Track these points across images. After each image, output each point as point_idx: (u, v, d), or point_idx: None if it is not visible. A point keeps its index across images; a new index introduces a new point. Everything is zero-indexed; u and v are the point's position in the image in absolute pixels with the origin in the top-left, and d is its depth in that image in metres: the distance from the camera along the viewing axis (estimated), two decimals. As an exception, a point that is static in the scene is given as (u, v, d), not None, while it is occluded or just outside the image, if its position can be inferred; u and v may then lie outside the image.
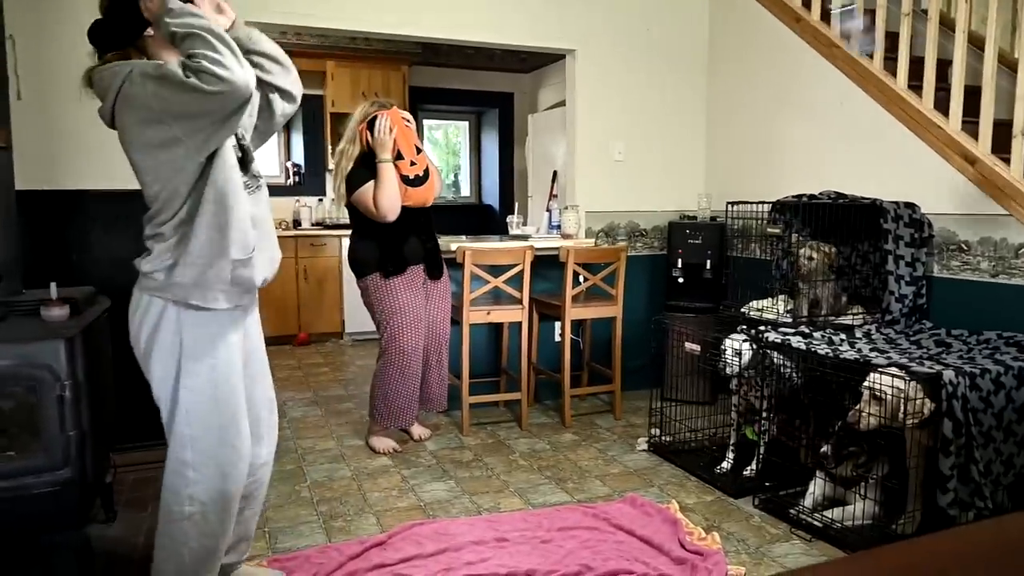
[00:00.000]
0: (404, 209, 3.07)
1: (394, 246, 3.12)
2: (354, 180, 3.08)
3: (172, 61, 1.64)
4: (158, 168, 1.69)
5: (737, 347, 2.84)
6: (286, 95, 1.97)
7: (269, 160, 6.43)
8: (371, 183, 3.03)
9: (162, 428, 1.81)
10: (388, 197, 3.01)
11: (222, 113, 1.62)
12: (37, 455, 2.03)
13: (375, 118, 3.05)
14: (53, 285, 2.20)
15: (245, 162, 1.84)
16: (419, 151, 3.12)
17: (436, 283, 3.30)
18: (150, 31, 1.72)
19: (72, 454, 2.06)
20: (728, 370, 2.86)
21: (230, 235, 1.73)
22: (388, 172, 3.02)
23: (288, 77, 1.97)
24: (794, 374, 2.77)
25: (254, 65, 1.81)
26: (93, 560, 2.14)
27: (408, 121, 3.11)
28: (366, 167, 3.07)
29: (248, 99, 1.62)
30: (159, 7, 1.64)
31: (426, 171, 3.11)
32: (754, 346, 2.82)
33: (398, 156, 3.06)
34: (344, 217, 4.76)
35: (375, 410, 3.25)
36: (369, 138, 3.05)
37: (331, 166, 3.34)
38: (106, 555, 2.30)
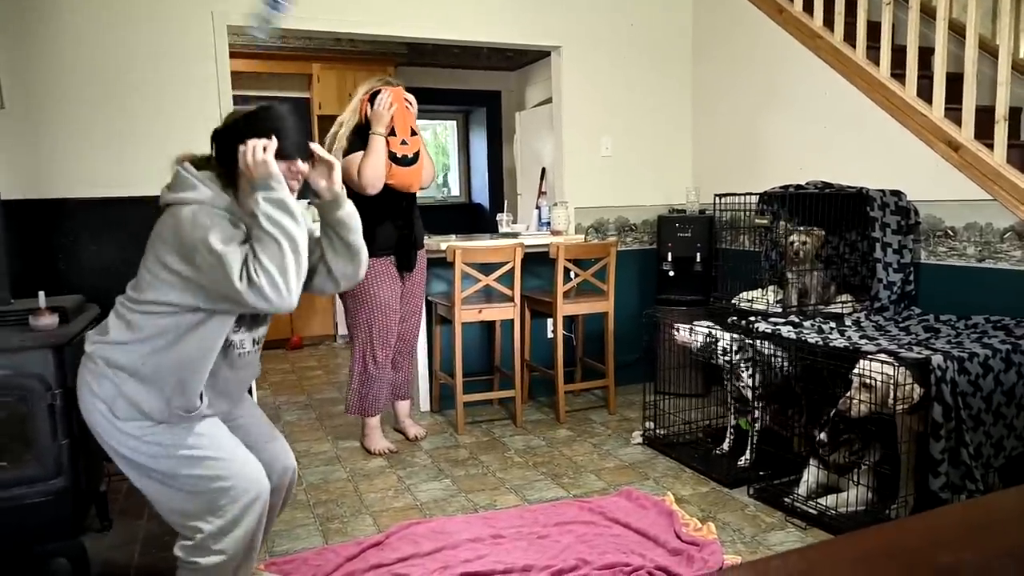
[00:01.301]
0: (386, 189, 3.05)
1: (367, 227, 3.12)
2: (346, 148, 3.08)
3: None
4: (162, 278, 1.65)
5: (707, 334, 2.93)
6: (332, 278, 1.88)
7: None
8: (360, 153, 3.03)
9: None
10: (373, 167, 2.99)
11: (249, 310, 1.62)
12: (30, 465, 2.02)
13: (378, 92, 3.04)
14: (41, 294, 2.19)
15: (256, 318, 1.78)
16: (414, 133, 3.11)
17: (409, 279, 3.27)
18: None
19: (65, 463, 2.05)
20: (692, 347, 3.00)
21: (182, 386, 1.65)
22: (378, 144, 3.01)
23: (348, 267, 1.87)
24: (783, 363, 2.79)
25: (327, 236, 1.81)
26: (88, 569, 2.14)
27: (410, 103, 3.09)
28: (360, 139, 3.06)
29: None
30: (258, 178, 1.61)
31: (416, 154, 3.09)
32: (712, 337, 2.92)
33: (391, 133, 3.05)
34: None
35: (348, 400, 3.28)
36: (369, 110, 3.04)
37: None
38: (102, 564, 2.29)
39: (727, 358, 2.92)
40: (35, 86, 3.11)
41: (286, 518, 2.62)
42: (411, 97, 3.12)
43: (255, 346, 1.84)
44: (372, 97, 3.04)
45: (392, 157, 3.04)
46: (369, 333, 3.17)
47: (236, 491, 1.70)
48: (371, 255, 3.09)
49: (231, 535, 1.70)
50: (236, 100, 3.54)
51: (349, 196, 3.23)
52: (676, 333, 3.06)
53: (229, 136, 1.69)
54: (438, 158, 7.68)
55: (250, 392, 2.12)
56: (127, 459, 1.68)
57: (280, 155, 1.66)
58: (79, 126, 3.19)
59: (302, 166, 1.74)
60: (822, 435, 2.49)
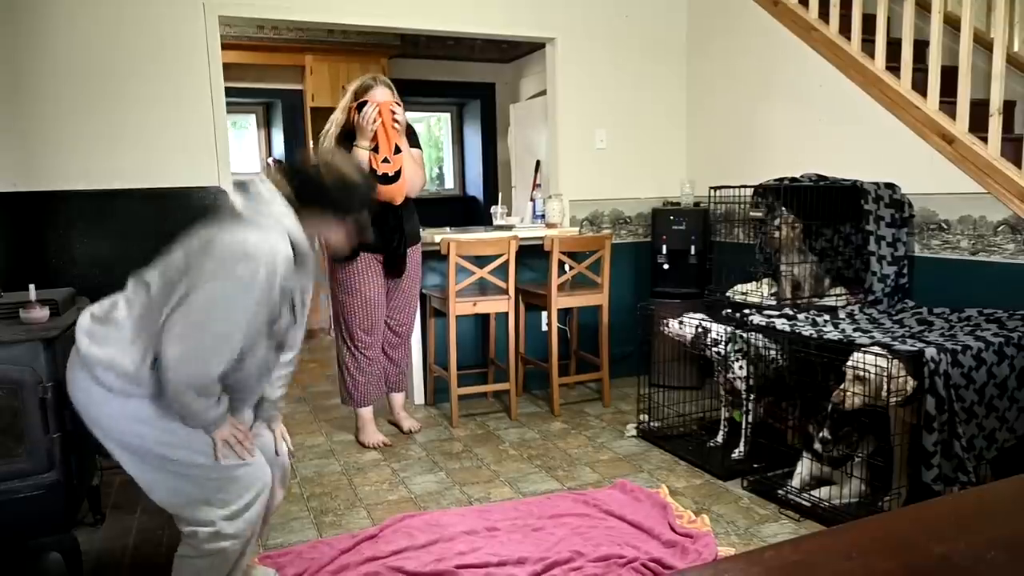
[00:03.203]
0: None
1: None
2: None
3: (324, 233, 1.76)
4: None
5: (690, 326, 2.94)
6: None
7: (250, 156, 6.38)
8: None
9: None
10: None
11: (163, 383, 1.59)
12: (21, 459, 2.01)
13: (365, 102, 3.00)
14: (32, 287, 2.18)
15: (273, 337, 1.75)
16: (398, 151, 3.07)
17: (399, 278, 3.26)
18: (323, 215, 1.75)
19: (57, 457, 2.04)
20: (684, 340, 3.03)
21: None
22: (360, 158, 2.99)
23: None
24: (776, 356, 2.79)
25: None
26: (81, 563, 2.13)
27: (396, 119, 3.01)
28: (345, 148, 3.04)
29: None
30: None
31: (397, 172, 3.06)
32: (702, 329, 2.95)
33: (374, 148, 3.03)
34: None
35: (342, 392, 3.33)
36: (356, 118, 3.02)
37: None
38: (95, 557, 2.28)
39: (718, 349, 2.92)
40: (24, 77, 3.08)
41: (280, 511, 2.61)
42: (398, 110, 3.03)
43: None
44: (360, 106, 3.00)
45: (372, 174, 3.03)
46: (350, 327, 3.19)
47: (248, 479, 1.71)
48: (354, 256, 3.10)
49: (242, 518, 1.70)
50: (228, 92, 3.51)
51: None
52: (666, 328, 3.07)
53: (317, 190, 1.72)
54: (431, 151, 7.65)
55: None
56: (132, 446, 1.65)
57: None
58: (70, 118, 3.16)
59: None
60: (824, 432, 2.49)
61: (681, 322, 3.05)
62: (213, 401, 1.62)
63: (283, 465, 1.97)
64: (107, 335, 1.63)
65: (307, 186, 1.72)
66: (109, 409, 1.63)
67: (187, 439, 1.65)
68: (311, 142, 5.91)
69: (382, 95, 3.02)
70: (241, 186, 1.71)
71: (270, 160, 6.31)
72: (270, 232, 1.61)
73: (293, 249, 1.65)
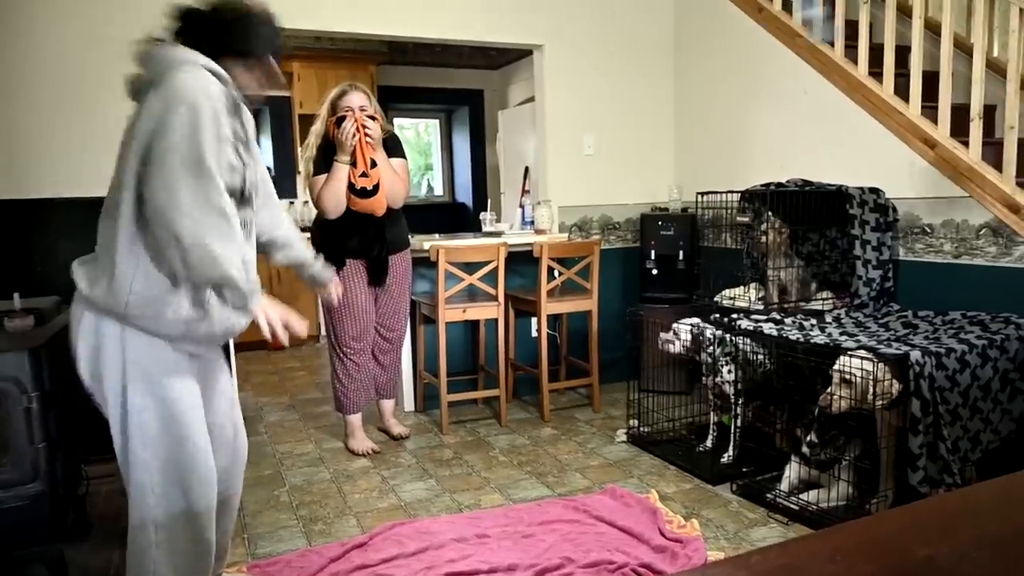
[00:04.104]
0: (350, 212, 3.08)
1: (334, 242, 3.11)
2: (313, 167, 3.11)
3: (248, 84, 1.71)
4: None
5: (685, 332, 2.95)
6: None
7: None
8: (323, 177, 3.07)
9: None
10: (331, 194, 3.03)
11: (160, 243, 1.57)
12: (6, 469, 1.99)
13: (343, 118, 3.02)
14: (16, 296, 2.16)
15: (243, 194, 1.69)
16: (374, 164, 3.07)
17: (391, 279, 3.26)
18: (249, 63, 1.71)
19: (42, 467, 2.03)
20: (672, 349, 3.05)
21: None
22: (339, 172, 3.03)
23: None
24: (763, 361, 2.81)
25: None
26: (67, 574, 2.11)
27: (369, 134, 3.01)
28: (325, 160, 3.07)
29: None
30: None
31: (376, 186, 3.07)
32: (700, 327, 2.95)
33: (353, 163, 3.05)
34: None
35: (335, 400, 3.34)
36: (335, 132, 3.03)
37: (301, 169, 3.30)
38: (80, 569, 2.26)
39: (710, 351, 2.94)
40: (8, 82, 3.05)
41: (269, 520, 2.60)
42: (370, 125, 3.01)
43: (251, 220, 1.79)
44: (339, 120, 3.01)
45: (351, 188, 3.04)
46: (339, 334, 3.21)
47: (196, 461, 1.71)
48: (343, 259, 3.10)
49: (169, 506, 1.70)
50: (215, 99, 3.50)
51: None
52: (670, 346, 3.08)
53: (209, 24, 1.67)
54: (420, 158, 7.65)
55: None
56: (125, 400, 1.64)
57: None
58: (55, 125, 3.14)
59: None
60: (812, 436, 2.51)
61: (675, 331, 3.06)
62: (237, 247, 1.59)
63: (242, 436, 1.98)
64: (105, 260, 1.61)
65: (201, 26, 1.67)
66: (114, 348, 1.61)
67: (171, 388, 1.65)
68: (299, 149, 5.89)
69: (357, 100, 3.04)
70: (138, 60, 1.67)
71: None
72: (188, 71, 1.57)
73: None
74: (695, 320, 3.07)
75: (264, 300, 1.75)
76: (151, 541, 1.69)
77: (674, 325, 3.08)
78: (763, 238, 2.97)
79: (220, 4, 1.70)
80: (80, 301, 1.66)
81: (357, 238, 3.14)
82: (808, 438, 2.53)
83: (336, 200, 3.04)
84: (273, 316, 1.75)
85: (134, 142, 1.57)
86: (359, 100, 3.05)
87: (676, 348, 3.06)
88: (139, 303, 1.59)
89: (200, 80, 1.56)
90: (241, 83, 1.72)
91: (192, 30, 1.66)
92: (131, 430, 1.66)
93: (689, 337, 3.02)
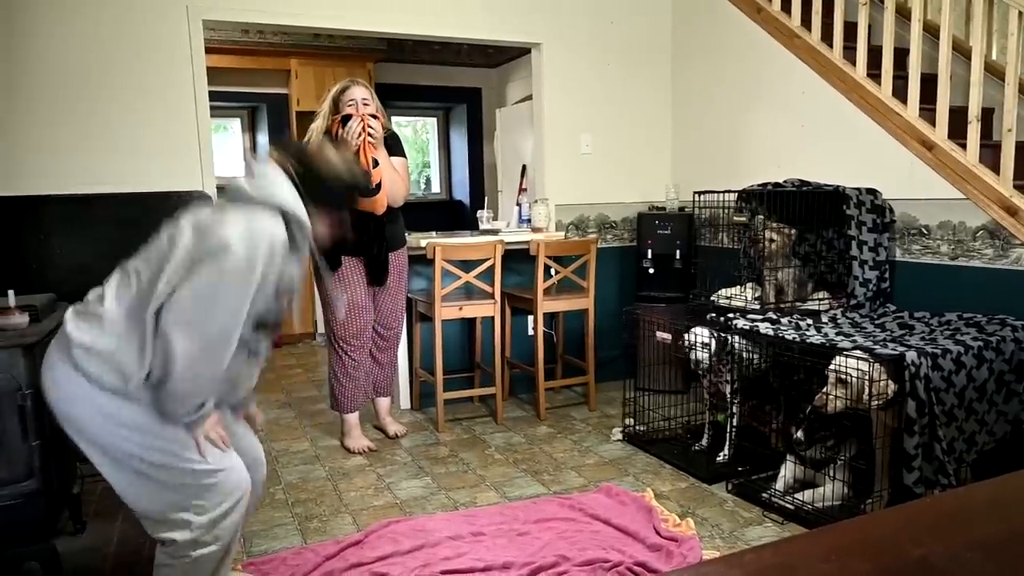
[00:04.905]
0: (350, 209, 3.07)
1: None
2: None
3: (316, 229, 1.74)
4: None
5: (705, 340, 2.90)
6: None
7: (234, 160, 6.33)
8: None
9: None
10: None
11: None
12: (-1, 467, 1.98)
13: (349, 117, 3.01)
14: (11, 293, 2.15)
15: (268, 324, 1.73)
16: (376, 164, 3.07)
17: (388, 277, 3.25)
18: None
19: (36, 465, 2.02)
20: (694, 357, 2.93)
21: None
22: None
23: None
24: (760, 360, 2.81)
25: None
26: (61, 572, 2.10)
27: (371, 133, 3.01)
28: None
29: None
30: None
31: (378, 185, 3.07)
32: (719, 335, 2.87)
33: None
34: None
35: (331, 397, 3.33)
36: (340, 131, 3.02)
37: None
38: (75, 567, 2.25)
39: (703, 353, 2.93)
40: (3, 80, 3.04)
41: (264, 518, 2.60)
42: (373, 125, 3.01)
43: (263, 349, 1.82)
44: (344, 119, 3.01)
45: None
46: (337, 332, 3.20)
47: (227, 485, 1.68)
48: (337, 264, 3.10)
49: (220, 526, 1.67)
50: (212, 96, 3.49)
51: None
52: (692, 352, 2.98)
53: (322, 186, 1.73)
54: (418, 156, 7.64)
55: None
56: (110, 448, 1.60)
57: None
58: (50, 122, 3.13)
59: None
60: (799, 433, 2.51)
61: (693, 332, 2.99)
62: (217, 382, 1.61)
63: (262, 468, 1.95)
64: (99, 328, 1.58)
65: (306, 173, 1.72)
66: (90, 406, 1.57)
67: (168, 442, 1.61)
68: (296, 146, 5.87)
69: (360, 93, 3.05)
70: (247, 168, 1.71)
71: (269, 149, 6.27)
72: (262, 215, 1.59)
73: (288, 226, 1.64)
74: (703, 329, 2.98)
75: (211, 421, 1.69)
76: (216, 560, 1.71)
77: (694, 332, 2.96)
78: (771, 244, 2.94)
79: (330, 160, 1.78)
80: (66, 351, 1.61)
81: (356, 236, 3.13)
82: (796, 435, 2.53)
83: None
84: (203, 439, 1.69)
85: (193, 243, 1.57)
86: (362, 93, 3.06)
87: (703, 356, 2.92)
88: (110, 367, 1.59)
89: (272, 230, 1.60)
90: (317, 232, 1.78)
91: (300, 174, 1.72)
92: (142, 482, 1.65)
93: (714, 343, 2.91)
